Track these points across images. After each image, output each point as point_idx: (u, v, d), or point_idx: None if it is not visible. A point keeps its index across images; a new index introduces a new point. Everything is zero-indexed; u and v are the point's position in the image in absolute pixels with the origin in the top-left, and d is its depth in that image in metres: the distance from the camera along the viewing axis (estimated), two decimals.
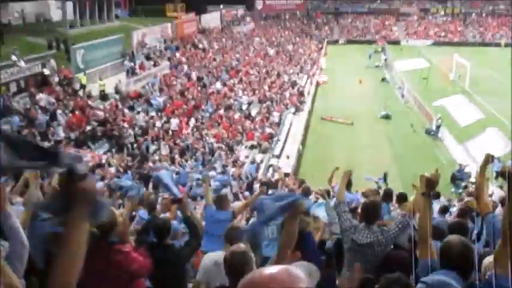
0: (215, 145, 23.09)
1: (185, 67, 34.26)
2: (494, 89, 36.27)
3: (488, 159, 4.47)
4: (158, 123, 23.42)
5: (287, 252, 3.19)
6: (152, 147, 21.07)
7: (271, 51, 49.11)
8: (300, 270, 1.39)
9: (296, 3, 73.73)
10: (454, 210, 8.84)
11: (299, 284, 1.37)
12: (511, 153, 21.22)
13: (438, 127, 26.98)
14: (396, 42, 64.09)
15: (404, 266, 3.89)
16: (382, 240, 4.83)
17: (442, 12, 75.01)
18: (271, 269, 1.42)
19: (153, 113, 24.80)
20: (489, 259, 3.61)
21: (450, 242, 3.41)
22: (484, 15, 73.38)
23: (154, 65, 31.82)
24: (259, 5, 71.95)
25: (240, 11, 65.82)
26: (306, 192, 8.89)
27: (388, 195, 9.02)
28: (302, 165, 23.38)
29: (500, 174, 3.99)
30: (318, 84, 39.65)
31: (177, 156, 20.35)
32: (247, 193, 15.20)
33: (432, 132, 26.88)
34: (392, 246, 4.93)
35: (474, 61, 44.97)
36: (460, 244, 3.32)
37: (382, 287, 3.23)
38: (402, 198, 8.38)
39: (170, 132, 22.99)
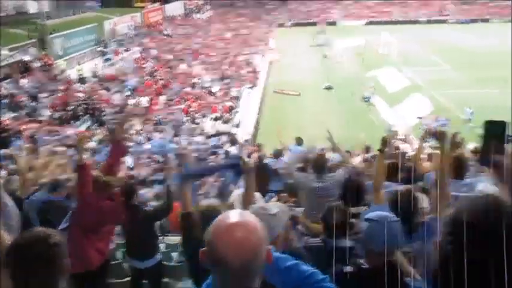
0: (184, 118, 22.89)
1: (153, 51, 33.52)
2: (417, 60, 37.06)
3: (427, 133, 4.64)
4: (132, 102, 23.00)
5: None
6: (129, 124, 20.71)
7: (228, 35, 48.48)
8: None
9: None
10: None
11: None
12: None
13: (372, 95, 27.43)
14: (335, 23, 64.19)
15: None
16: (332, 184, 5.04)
17: None
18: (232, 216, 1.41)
19: (128, 93, 24.31)
20: (421, 194, 3.78)
21: (398, 190, 3.56)
22: None
23: (126, 51, 30.99)
24: None
25: (201, 0, 64.44)
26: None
27: None
28: (259, 132, 23.44)
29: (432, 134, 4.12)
30: (270, 62, 39.51)
31: (151, 129, 20.12)
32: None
33: (367, 99, 27.29)
34: None
35: (401, 37, 45.71)
36: (406, 192, 3.46)
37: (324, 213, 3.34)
38: None
39: (144, 109, 22.63)
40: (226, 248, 1.34)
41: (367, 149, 10.45)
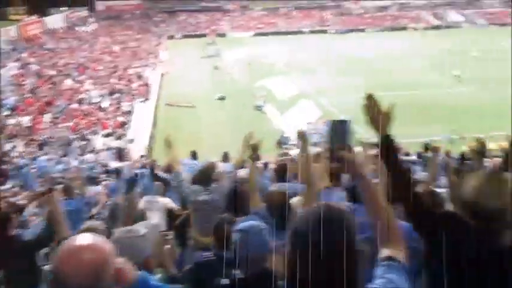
0: (71, 137, 21.69)
1: (34, 67, 31.34)
2: (303, 69, 38.99)
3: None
4: (12, 121, 21.28)
5: None
6: (9, 145, 19.15)
7: (116, 48, 46.99)
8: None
9: (134, 4, 71.01)
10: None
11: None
12: None
13: (263, 103, 28.23)
14: (224, 35, 65.19)
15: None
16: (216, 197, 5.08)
17: (258, 8, 77.93)
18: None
19: (7, 112, 22.44)
20: (296, 199, 3.98)
21: (271, 191, 3.71)
22: (290, 8, 77.87)
23: (2, 67, 28.60)
24: (100, 7, 67.98)
25: (84, 12, 61.62)
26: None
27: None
28: (155, 145, 22.97)
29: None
30: (162, 74, 38.99)
31: (36, 150, 18.77)
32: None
33: (259, 108, 28.06)
34: None
35: (287, 47, 47.85)
36: (279, 193, 3.62)
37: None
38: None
39: (26, 129, 21.04)
40: (66, 269, 1.37)
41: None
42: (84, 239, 1.42)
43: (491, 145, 10.23)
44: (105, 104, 27.95)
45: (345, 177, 3.51)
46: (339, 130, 1.64)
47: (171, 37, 64.37)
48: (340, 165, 1.62)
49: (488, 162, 8.77)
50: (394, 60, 41.94)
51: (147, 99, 30.40)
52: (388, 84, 31.18)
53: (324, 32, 67.36)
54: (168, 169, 8.19)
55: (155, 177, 7.83)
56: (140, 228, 2.39)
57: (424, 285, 2.70)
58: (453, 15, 74.78)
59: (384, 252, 1.63)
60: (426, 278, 2.62)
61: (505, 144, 7.46)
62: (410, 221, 2.32)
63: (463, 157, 9.23)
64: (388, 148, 2.04)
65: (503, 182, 2.19)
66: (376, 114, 1.95)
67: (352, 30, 67.80)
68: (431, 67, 37.52)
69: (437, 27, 69.89)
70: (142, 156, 18.55)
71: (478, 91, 29.60)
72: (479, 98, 27.89)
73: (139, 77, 35.69)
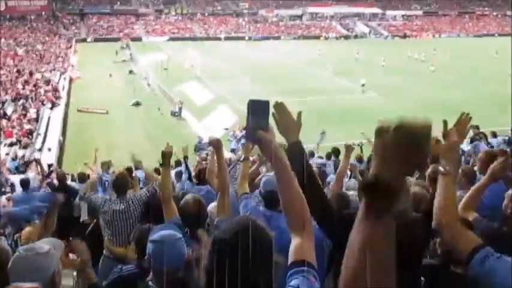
0: None
1: None
2: (219, 74, 39.17)
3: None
4: None
5: None
6: None
7: (21, 51, 44.05)
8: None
9: (40, 5, 66.85)
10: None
11: None
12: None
13: (180, 109, 27.98)
14: (138, 39, 63.69)
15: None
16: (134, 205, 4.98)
17: (173, 13, 77.14)
18: None
19: None
20: (212, 205, 4.00)
21: (186, 199, 3.68)
22: (206, 14, 77.94)
23: None
24: (1, 7, 63.24)
25: None
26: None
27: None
28: (64, 154, 21.87)
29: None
30: (71, 79, 37.18)
31: None
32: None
33: (176, 114, 27.74)
34: None
35: (202, 52, 47.80)
36: (192, 200, 3.62)
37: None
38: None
39: None
40: None
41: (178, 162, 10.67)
42: None
43: None
44: (8, 110, 26.06)
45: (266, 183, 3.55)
46: (257, 110, 1.62)
47: (82, 40, 61.70)
48: (258, 145, 1.63)
49: None
50: (307, 66, 43.54)
51: (55, 105, 28.81)
52: (300, 90, 32.34)
53: (241, 38, 68.29)
54: (81, 178, 7.90)
55: (61, 188, 7.45)
56: (43, 244, 2.29)
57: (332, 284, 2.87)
58: (361, 26, 79.32)
59: (292, 255, 1.62)
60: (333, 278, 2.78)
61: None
62: (318, 223, 2.40)
63: (369, 160, 9.82)
64: (295, 154, 2.08)
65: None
66: (285, 122, 2.00)
67: (267, 38, 69.39)
68: (340, 73, 39.41)
69: (346, 37, 73.68)
70: (50, 165, 17.52)
71: (381, 97, 31.54)
72: (382, 103, 29.73)
73: (47, 81, 33.72)
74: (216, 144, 3.65)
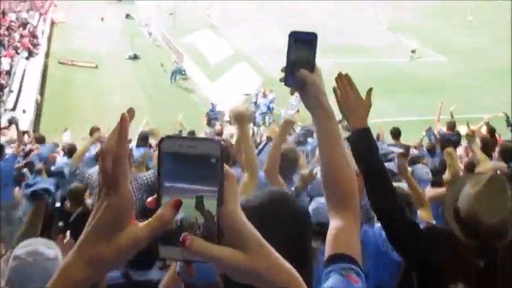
0: None
1: None
2: (239, 22, 38.82)
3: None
4: None
5: None
6: None
7: None
8: None
9: None
10: None
11: None
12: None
13: (177, 72, 27.28)
14: None
15: None
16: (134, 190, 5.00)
17: None
18: None
19: None
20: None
21: None
22: None
23: None
24: None
25: None
26: None
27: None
28: (43, 117, 22.14)
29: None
30: (53, 23, 37.40)
31: None
32: None
33: (181, 73, 27.57)
34: None
35: None
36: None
37: None
38: None
39: None
40: None
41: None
42: None
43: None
44: None
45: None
46: (300, 45, 1.57)
47: None
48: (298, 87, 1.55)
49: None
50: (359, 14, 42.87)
51: (33, 54, 29.10)
52: (346, 48, 31.93)
53: None
54: (70, 152, 7.97)
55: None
56: (50, 249, 2.34)
57: None
58: None
59: (330, 246, 1.52)
60: None
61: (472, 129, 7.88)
62: (389, 239, 2.42)
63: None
64: (363, 145, 2.07)
65: (504, 190, 2.28)
66: (351, 100, 1.96)
67: None
68: (398, 29, 38.67)
69: None
70: (24, 132, 17.75)
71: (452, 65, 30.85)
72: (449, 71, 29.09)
73: (24, 25, 34.01)
74: (239, 119, 3.45)
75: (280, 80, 1.54)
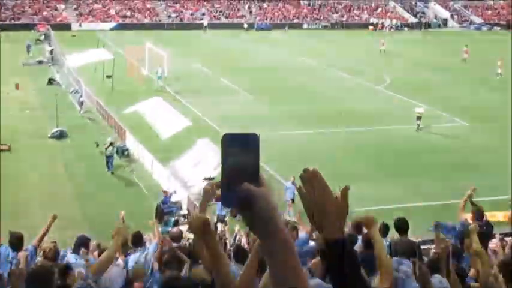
0: None
1: None
2: (200, 87, 39.31)
3: None
4: None
5: None
6: None
7: None
8: None
9: None
10: None
11: None
12: None
13: (116, 152, 27.02)
14: (65, 27, 64.41)
15: None
16: None
17: None
18: None
19: None
20: None
21: None
22: None
23: None
24: None
25: None
26: None
27: None
28: None
29: None
30: None
31: None
32: None
33: (126, 152, 27.47)
34: None
35: (172, 49, 48.06)
36: None
37: None
38: None
39: None
40: None
41: None
42: None
43: None
44: None
45: None
46: (238, 150, 1.58)
47: None
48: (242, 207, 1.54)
49: None
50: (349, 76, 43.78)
51: None
52: (330, 116, 32.30)
53: (236, 26, 69.29)
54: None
55: None
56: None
57: None
58: (437, 10, 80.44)
59: None
60: None
61: None
62: None
63: None
64: (338, 257, 1.97)
65: None
66: (322, 201, 1.88)
67: (280, 26, 70.40)
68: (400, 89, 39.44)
69: (412, 26, 74.72)
70: None
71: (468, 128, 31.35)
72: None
73: None
74: (200, 228, 2.94)
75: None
